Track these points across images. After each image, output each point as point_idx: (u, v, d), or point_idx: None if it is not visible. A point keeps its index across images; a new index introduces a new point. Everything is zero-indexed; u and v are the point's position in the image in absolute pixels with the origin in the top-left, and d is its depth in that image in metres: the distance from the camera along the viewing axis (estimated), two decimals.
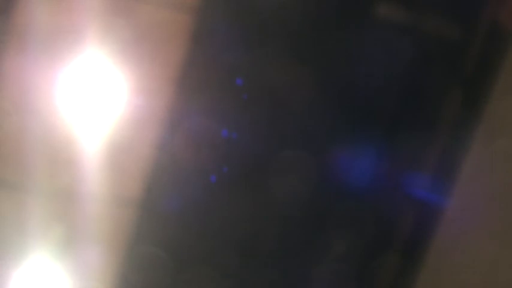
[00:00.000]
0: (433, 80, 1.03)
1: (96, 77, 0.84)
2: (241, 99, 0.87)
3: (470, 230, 0.97)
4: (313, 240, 1.06)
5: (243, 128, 0.88)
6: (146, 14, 0.84)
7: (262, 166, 0.91)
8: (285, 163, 0.94)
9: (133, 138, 0.85)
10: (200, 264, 0.95)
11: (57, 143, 0.83)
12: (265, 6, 0.88)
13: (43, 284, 0.85)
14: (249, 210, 0.95)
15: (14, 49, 0.81)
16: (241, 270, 0.98)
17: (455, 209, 1.00)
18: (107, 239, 0.86)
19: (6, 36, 0.81)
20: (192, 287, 0.93)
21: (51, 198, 0.84)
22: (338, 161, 0.98)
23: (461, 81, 1.00)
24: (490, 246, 0.99)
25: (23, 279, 0.85)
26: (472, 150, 1.02)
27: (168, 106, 0.87)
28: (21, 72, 0.82)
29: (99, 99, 0.85)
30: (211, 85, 0.87)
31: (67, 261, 0.85)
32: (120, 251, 0.86)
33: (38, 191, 0.84)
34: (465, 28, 0.99)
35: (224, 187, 0.92)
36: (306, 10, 0.91)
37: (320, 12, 0.92)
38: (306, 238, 1.06)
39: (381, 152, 1.01)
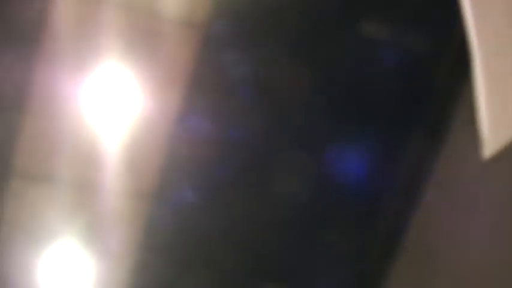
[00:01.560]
0: (411, 87, 1.11)
1: (114, 82, 0.95)
2: (246, 101, 0.96)
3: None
4: (313, 241, 1.11)
5: (249, 129, 0.97)
6: (158, 27, 0.94)
7: (267, 166, 0.99)
8: (290, 164, 1.01)
9: (146, 137, 0.95)
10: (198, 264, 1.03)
11: (81, 142, 0.93)
12: (269, 9, 0.95)
13: (69, 267, 0.95)
14: (251, 210, 1.02)
15: (44, 58, 0.92)
16: (239, 271, 1.06)
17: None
18: (124, 227, 0.96)
19: (37, 47, 0.91)
20: (209, 266, 1.01)
21: (75, 191, 0.94)
22: (338, 161, 1.05)
23: (433, 90, 1.10)
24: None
25: (51, 263, 0.95)
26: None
27: (177, 108, 0.96)
28: (50, 79, 0.92)
29: (117, 102, 0.95)
30: (216, 88, 0.96)
31: (90, 246, 0.95)
32: (136, 237, 0.96)
33: (63, 185, 0.94)
34: (438, 43, 1.09)
35: (229, 186, 1.00)
36: (306, 18, 0.99)
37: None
38: (306, 239, 1.13)
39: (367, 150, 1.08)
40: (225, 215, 1.01)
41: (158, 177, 0.97)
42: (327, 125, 1.01)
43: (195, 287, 1.02)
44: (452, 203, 1.04)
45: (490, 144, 0.85)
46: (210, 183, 1.00)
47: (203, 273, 1.02)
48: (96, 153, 0.94)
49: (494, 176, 1.00)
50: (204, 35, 0.94)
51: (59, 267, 0.96)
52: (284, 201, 1.02)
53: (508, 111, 0.83)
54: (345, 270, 1.10)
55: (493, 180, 1.01)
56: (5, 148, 0.92)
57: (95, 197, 0.94)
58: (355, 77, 1.03)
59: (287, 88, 0.97)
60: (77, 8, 0.92)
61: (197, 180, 0.99)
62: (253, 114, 0.98)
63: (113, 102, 0.95)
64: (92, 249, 0.95)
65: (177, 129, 0.97)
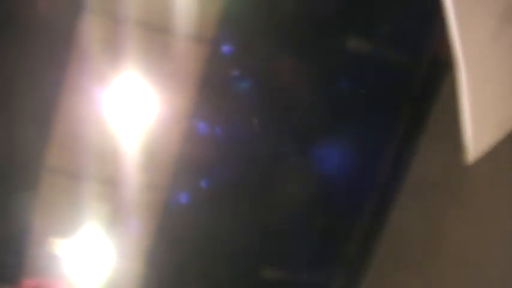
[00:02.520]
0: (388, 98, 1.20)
1: (132, 90, 1.07)
2: (248, 103, 1.06)
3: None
4: (314, 242, 1.21)
5: (248, 130, 1.08)
6: (170, 42, 1.06)
7: (268, 168, 1.09)
8: (291, 164, 1.10)
9: (160, 137, 1.07)
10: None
11: (104, 140, 1.05)
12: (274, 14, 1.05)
13: (92, 253, 1.07)
14: (250, 212, 1.12)
15: (73, 68, 1.04)
16: (239, 272, 1.15)
17: None
18: (141, 218, 1.08)
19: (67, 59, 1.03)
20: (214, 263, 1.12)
21: (98, 184, 1.05)
22: (338, 161, 1.15)
23: (410, 100, 1.19)
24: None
25: (76, 249, 1.06)
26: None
27: (186, 111, 1.08)
28: (78, 86, 1.04)
29: (135, 107, 1.07)
30: (221, 93, 1.07)
31: (111, 234, 1.06)
32: (153, 227, 1.08)
33: (87, 178, 1.06)
34: (413, 57, 1.19)
35: (228, 188, 1.10)
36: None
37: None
38: (306, 240, 1.20)
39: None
40: (231, 212, 1.11)
41: (171, 174, 1.09)
42: (320, 125, 1.11)
43: (203, 274, 1.12)
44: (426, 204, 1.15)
45: (472, 149, 0.84)
46: (216, 182, 1.10)
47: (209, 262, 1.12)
48: (117, 151, 1.06)
49: (471, 179, 1.09)
50: (212, 48, 1.05)
51: (84, 256, 1.07)
52: (285, 199, 1.12)
53: (490, 117, 0.83)
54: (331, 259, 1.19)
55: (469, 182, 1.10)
56: (38, 145, 1.04)
57: (116, 190, 1.06)
58: (341, 86, 1.13)
59: (299, 91, 1.06)
60: (102, 27, 1.04)
61: (204, 179, 1.10)
62: (258, 116, 1.08)
63: (131, 108, 1.07)
64: (113, 237, 1.07)
65: (188, 131, 1.08)
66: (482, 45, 0.77)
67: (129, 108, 1.07)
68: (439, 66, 1.20)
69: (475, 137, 0.82)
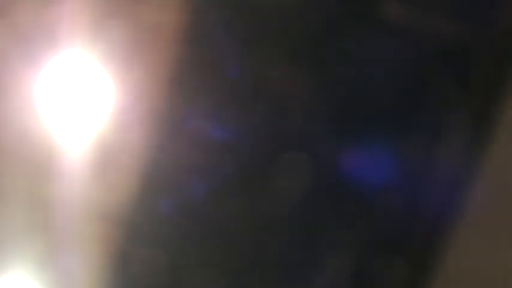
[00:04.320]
0: (436, 83, 1.02)
1: (88, 79, 0.81)
2: (240, 100, 0.85)
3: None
4: (313, 242, 1.07)
5: (242, 129, 0.86)
6: (142, 15, 0.81)
7: (262, 168, 0.90)
8: (286, 165, 0.93)
9: (126, 140, 0.82)
10: (197, 267, 0.94)
11: (38, 146, 0.79)
12: (265, 6, 0.86)
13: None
14: (248, 213, 0.93)
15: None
16: (239, 273, 0.97)
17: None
18: (94, 249, 0.82)
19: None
20: None
21: (32, 208, 0.79)
22: (339, 162, 0.98)
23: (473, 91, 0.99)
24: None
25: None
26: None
27: (164, 108, 0.84)
28: (8, 76, 0.78)
29: (91, 101, 0.81)
30: (208, 86, 0.85)
31: (48, 271, 0.81)
32: (110, 257, 0.83)
33: (17, 200, 0.79)
34: (475, 33, 0.98)
35: (223, 189, 0.90)
36: (306, 10, 0.89)
37: (320, 13, 0.91)
38: (306, 240, 1.07)
39: (384, 152, 1.02)
40: (216, 220, 0.92)
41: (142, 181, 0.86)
42: (331, 125, 0.94)
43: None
44: None
45: None
46: (201, 188, 0.91)
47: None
48: (62, 163, 0.80)
49: None
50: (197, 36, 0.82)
51: None
52: (286, 201, 0.96)
53: None
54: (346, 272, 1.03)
55: None
56: None
57: (58, 212, 0.80)
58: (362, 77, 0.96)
59: (288, 89, 0.88)
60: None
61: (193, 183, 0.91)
62: (252, 115, 0.89)
63: (85, 102, 0.81)
64: (51, 274, 0.82)
65: (162, 132, 0.84)
66: None
67: (83, 103, 0.80)
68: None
69: None
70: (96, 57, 0.80)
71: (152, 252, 0.88)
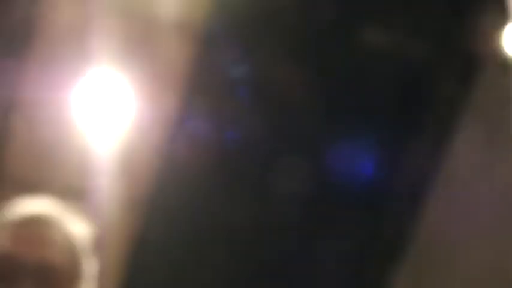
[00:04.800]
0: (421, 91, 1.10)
1: (105, 86, 0.93)
2: (242, 101, 0.95)
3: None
4: (313, 241, 1.11)
5: (244, 130, 0.95)
6: (154, 21, 0.92)
7: (263, 167, 0.97)
8: (286, 164, 1.00)
9: (145, 142, 0.93)
10: (200, 263, 1.01)
11: (72, 146, 0.91)
12: (265, 12, 0.94)
13: None
14: (249, 211, 1.00)
15: (35, 61, 0.90)
16: (240, 271, 1.04)
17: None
18: (115, 234, 0.93)
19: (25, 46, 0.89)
20: (194, 282, 0.99)
21: (64, 198, 0.91)
22: (337, 162, 1.04)
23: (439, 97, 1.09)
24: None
25: None
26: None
27: (172, 109, 0.94)
28: (38, 82, 0.90)
29: (116, 109, 0.93)
30: (212, 89, 0.95)
31: None
32: (127, 242, 0.94)
33: (53, 190, 0.91)
34: (440, 51, 1.08)
35: (225, 187, 0.98)
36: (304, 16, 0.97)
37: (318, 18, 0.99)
38: (306, 239, 1.11)
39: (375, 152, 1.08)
40: (224, 215, 1.01)
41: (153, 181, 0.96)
42: (329, 127, 1.01)
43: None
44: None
45: None
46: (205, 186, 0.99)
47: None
48: (88, 160, 0.91)
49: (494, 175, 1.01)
50: (201, 37, 0.93)
51: None
52: (286, 202, 1.03)
53: None
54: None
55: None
56: None
57: (87, 202, 0.91)
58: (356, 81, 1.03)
59: (286, 90, 0.97)
60: (72, 12, 0.91)
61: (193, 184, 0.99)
62: (252, 117, 0.98)
63: (103, 105, 0.93)
64: None
65: (174, 132, 0.95)
66: None
67: (102, 106, 0.92)
68: (472, 62, 1.10)
69: None
70: (120, 74, 0.92)
71: (166, 239, 0.98)
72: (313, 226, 1.07)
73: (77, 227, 0.54)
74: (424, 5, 1.03)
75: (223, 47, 0.95)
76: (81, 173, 0.91)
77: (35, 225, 0.52)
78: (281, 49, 0.99)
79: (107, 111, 0.93)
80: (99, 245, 0.90)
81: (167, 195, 0.99)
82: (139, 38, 0.92)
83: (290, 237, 1.07)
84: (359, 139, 1.08)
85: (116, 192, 0.91)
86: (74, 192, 0.91)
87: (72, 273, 0.50)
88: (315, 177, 1.03)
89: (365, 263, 1.11)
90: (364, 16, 1.03)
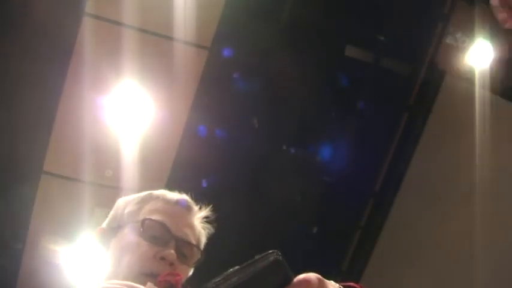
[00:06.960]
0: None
1: (132, 98, 1.08)
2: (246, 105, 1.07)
3: None
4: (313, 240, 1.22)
5: (247, 130, 1.09)
6: (170, 47, 1.08)
7: (265, 166, 1.09)
8: (287, 163, 1.12)
9: (160, 142, 1.08)
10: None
11: (103, 146, 1.07)
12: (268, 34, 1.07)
13: (89, 255, 1.07)
14: (252, 210, 1.11)
15: (72, 73, 1.06)
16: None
17: None
18: None
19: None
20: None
21: (96, 188, 1.06)
22: (337, 160, 1.18)
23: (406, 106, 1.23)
24: None
25: (73, 251, 1.06)
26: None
27: (185, 116, 1.09)
28: (78, 91, 1.06)
29: (134, 114, 1.09)
30: (220, 102, 1.09)
31: None
32: None
33: (86, 182, 1.06)
34: (411, 66, 1.23)
35: (229, 187, 1.10)
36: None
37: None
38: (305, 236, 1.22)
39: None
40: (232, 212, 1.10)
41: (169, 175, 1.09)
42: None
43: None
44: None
45: None
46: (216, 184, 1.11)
47: None
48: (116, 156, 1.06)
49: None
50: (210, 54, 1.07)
51: (83, 259, 1.07)
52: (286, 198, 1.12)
53: None
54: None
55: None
56: (38, 150, 1.05)
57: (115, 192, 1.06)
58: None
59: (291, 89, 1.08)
60: (101, 33, 1.06)
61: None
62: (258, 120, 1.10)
63: (131, 113, 1.09)
64: None
65: (187, 135, 1.09)
66: None
67: (129, 113, 1.08)
68: (436, 75, 1.24)
69: None
70: (141, 85, 1.08)
71: None
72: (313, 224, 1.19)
73: (200, 215, 0.72)
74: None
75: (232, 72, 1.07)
76: (109, 165, 1.06)
77: (184, 208, 0.70)
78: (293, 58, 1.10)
79: (131, 115, 1.08)
80: None
81: (181, 187, 1.12)
82: (157, 55, 1.07)
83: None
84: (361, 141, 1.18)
85: (135, 183, 1.07)
86: (104, 180, 1.07)
87: (197, 250, 0.69)
88: (315, 176, 1.14)
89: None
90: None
